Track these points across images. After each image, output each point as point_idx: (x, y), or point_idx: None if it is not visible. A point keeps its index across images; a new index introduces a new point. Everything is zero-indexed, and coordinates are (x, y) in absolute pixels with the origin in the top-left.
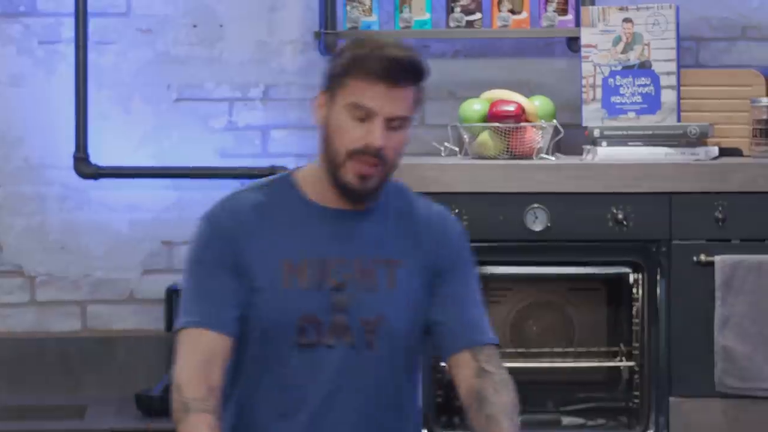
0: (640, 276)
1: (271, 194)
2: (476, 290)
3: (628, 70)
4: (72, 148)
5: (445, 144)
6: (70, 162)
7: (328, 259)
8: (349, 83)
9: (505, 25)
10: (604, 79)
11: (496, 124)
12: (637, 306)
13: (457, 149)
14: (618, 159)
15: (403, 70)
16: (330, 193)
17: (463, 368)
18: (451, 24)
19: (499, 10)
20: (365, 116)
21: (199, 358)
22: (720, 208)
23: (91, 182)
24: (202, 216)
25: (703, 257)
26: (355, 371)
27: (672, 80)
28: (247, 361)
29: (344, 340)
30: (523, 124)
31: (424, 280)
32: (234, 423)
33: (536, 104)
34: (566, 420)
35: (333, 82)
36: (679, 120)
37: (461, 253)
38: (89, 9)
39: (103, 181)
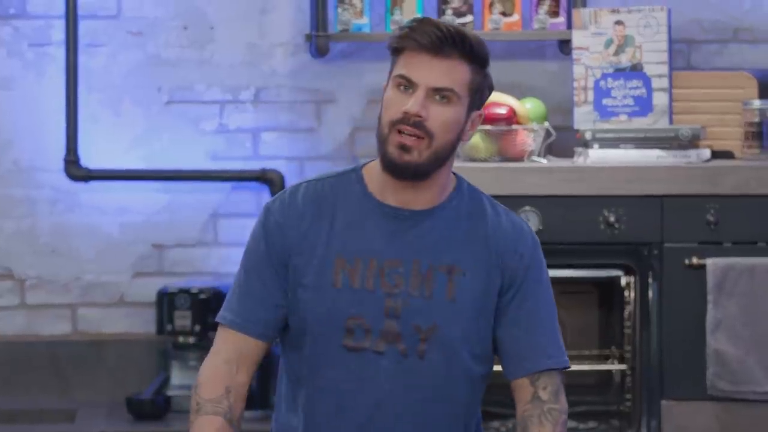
0: (632, 279)
1: (336, 186)
2: (548, 308)
3: (619, 72)
4: (62, 150)
5: None
6: (61, 165)
7: (384, 259)
8: (398, 58)
9: (496, 28)
10: (596, 82)
11: (488, 127)
12: (628, 309)
13: None
14: (610, 162)
15: (448, 40)
16: (391, 188)
17: (519, 392)
18: None
19: (491, 13)
20: (409, 86)
21: (225, 357)
22: (712, 211)
23: (81, 185)
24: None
25: (695, 260)
26: (405, 380)
27: (664, 83)
28: (302, 360)
29: (395, 347)
30: (514, 126)
31: (489, 292)
32: (305, 422)
33: (528, 107)
34: None
35: (391, 62)
36: (670, 122)
37: (534, 267)
38: (79, 11)
39: (94, 184)
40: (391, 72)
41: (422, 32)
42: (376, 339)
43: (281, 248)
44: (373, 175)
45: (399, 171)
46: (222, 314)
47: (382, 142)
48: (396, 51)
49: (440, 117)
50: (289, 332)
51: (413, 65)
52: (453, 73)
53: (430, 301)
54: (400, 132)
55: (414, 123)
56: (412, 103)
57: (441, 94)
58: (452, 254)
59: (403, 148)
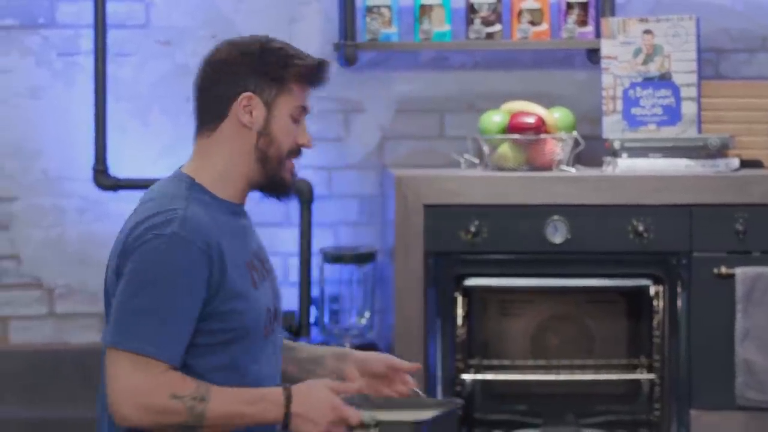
0: (661, 288)
1: (202, 204)
2: None
3: (648, 81)
4: (91, 160)
5: (465, 156)
6: (89, 174)
7: (256, 251)
8: (293, 88)
9: (525, 37)
10: (625, 91)
11: (516, 136)
12: (657, 318)
13: (477, 161)
14: (638, 171)
15: (326, 75)
16: (235, 191)
17: None
18: (471, 35)
19: (519, 22)
20: (301, 118)
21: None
22: (740, 220)
23: (110, 194)
24: (166, 238)
25: (723, 269)
26: (279, 347)
27: (692, 92)
28: (219, 367)
29: (277, 323)
30: (543, 135)
31: None
32: None
33: (556, 116)
34: None
35: (267, 86)
36: (699, 132)
37: None
38: (108, 21)
39: (122, 193)
40: (269, 95)
41: (317, 69)
42: (273, 320)
43: (207, 272)
44: (219, 183)
45: (286, 193)
46: (138, 346)
47: (276, 166)
48: (286, 79)
49: None
50: (208, 342)
51: (306, 97)
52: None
53: (276, 281)
54: (292, 161)
55: (301, 153)
56: (309, 138)
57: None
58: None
59: (293, 174)
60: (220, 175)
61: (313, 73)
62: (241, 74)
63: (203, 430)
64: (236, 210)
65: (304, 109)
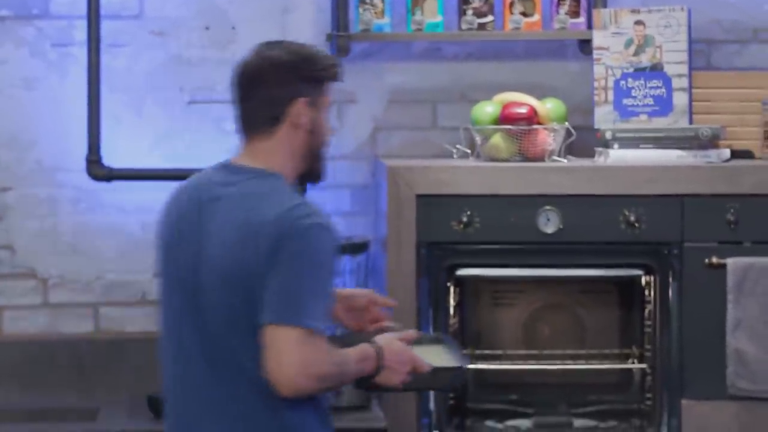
0: (652, 278)
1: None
2: None
3: (639, 72)
4: (85, 150)
5: (457, 146)
6: (83, 164)
7: None
8: (327, 88)
9: (517, 28)
10: (616, 82)
11: (508, 127)
12: (649, 308)
13: (469, 151)
14: (630, 161)
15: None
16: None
17: None
18: (463, 26)
19: (511, 13)
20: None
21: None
22: (732, 211)
23: (103, 184)
24: (323, 227)
25: (715, 260)
26: None
27: (684, 82)
28: None
29: None
30: (535, 126)
31: None
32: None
33: (548, 107)
34: (578, 422)
35: (314, 89)
36: (690, 122)
37: None
38: (102, 11)
39: (116, 184)
40: (314, 97)
41: (338, 66)
42: None
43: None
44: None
45: (322, 178)
46: (316, 324)
47: (319, 159)
48: (326, 80)
49: None
50: None
51: (331, 93)
52: None
53: None
54: (325, 151)
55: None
56: (331, 128)
57: None
58: None
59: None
60: (282, 173)
61: (338, 72)
62: (293, 79)
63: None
64: None
65: (331, 105)
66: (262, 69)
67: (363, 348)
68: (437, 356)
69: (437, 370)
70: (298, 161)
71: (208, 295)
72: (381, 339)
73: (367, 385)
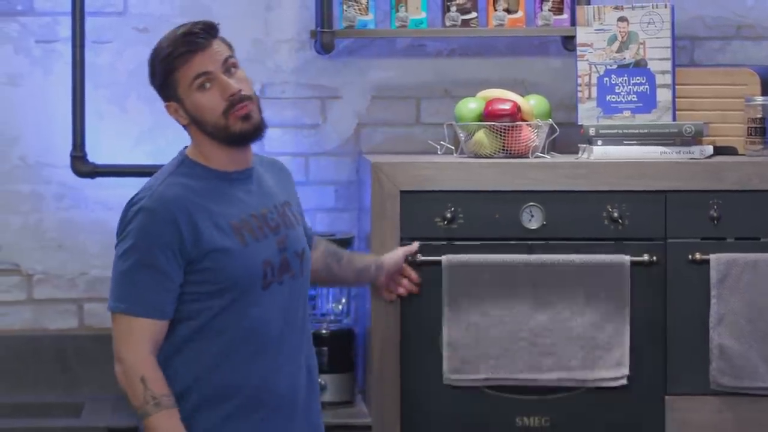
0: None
1: (190, 176)
2: None
3: (623, 69)
4: (69, 146)
5: (441, 143)
6: (67, 160)
7: (257, 211)
8: (177, 77)
9: (500, 24)
10: (600, 78)
11: (492, 123)
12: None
13: (453, 148)
14: (613, 157)
15: (200, 35)
16: (218, 160)
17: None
18: (447, 23)
19: (495, 9)
20: (207, 81)
21: (150, 349)
22: (715, 207)
23: (88, 181)
24: (138, 208)
25: (698, 255)
26: (295, 298)
27: (667, 79)
28: (211, 316)
29: (288, 274)
30: (518, 122)
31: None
32: (197, 375)
33: (532, 103)
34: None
35: (168, 89)
36: (674, 119)
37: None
38: (86, 8)
39: (100, 180)
40: (173, 94)
41: (179, 45)
42: (278, 272)
43: (177, 235)
44: (209, 156)
45: (250, 136)
46: (127, 307)
47: (221, 129)
48: (170, 70)
49: (244, 79)
50: (204, 291)
51: (195, 67)
52: (220, 51)
53: (295, 229)
54: (234, 111)
55: (240, 98)
56: (226, 85)
57: (228, 64)
58: (280, 194)
59: (245, 117)
60: (200, 151)
61: (183, 51)
62: (156, 89)
63: None
64: (228, 177)
65: (202, 75)
66: None
67: None
68: None
69: None
70: (204, 142)
71: None
72: None
73: None
